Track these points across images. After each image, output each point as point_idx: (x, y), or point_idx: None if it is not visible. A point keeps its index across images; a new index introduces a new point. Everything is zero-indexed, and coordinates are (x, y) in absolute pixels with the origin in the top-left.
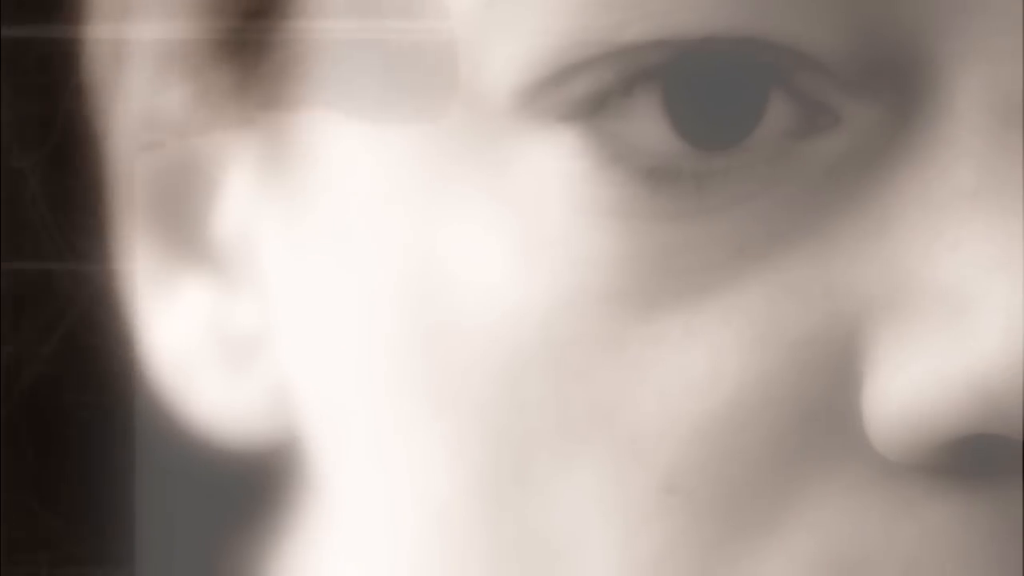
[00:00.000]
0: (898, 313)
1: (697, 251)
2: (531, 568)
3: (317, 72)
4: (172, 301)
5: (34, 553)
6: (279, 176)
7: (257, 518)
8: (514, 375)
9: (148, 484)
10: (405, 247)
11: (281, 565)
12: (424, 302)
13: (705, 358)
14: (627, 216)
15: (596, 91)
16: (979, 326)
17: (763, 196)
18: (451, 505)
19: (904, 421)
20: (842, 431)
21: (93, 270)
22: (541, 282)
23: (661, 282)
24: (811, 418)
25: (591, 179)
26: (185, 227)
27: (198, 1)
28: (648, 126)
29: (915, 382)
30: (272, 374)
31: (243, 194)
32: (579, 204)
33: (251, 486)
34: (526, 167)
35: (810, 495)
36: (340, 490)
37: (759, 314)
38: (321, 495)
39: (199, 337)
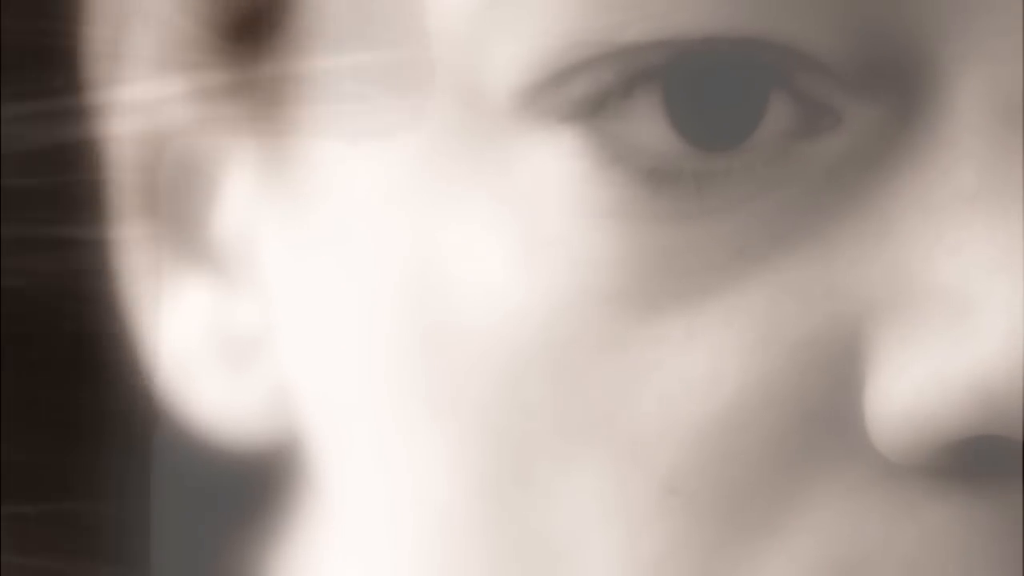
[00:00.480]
0: (900, 315)
1: (698, 252)
2: (532, 569)
3: (316, 74)
4: (173, 302)
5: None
6: (279, 177)
7: (258, 519)
8: (515, 376)
9: (149, 485)
10: (405, 248)
11: (282, 566)
12: (424, 303)
13: (706, 359)
14: (628, 217)
15: (596, 92)
16: (981, 328)
17: (764, 197)
18: (452, 506)
19: (906, 422)
20: (843, 432)
21: (95, 270)
22: (542, 283)
23: (662, 283)
24: (812, 419)
25: (591, 180)
26: (186, 228)
27: (198, 1)
28: (648, 127)
29: (917, 383)
30: (273, 375)
31: (243, 195)
32: (580, 205)
33: (252, 487)
34: (527, 168)
35: (811, 496)
36: (341, 491)
37: (760, 315)
38: (322, 496)
39: (200, 338)
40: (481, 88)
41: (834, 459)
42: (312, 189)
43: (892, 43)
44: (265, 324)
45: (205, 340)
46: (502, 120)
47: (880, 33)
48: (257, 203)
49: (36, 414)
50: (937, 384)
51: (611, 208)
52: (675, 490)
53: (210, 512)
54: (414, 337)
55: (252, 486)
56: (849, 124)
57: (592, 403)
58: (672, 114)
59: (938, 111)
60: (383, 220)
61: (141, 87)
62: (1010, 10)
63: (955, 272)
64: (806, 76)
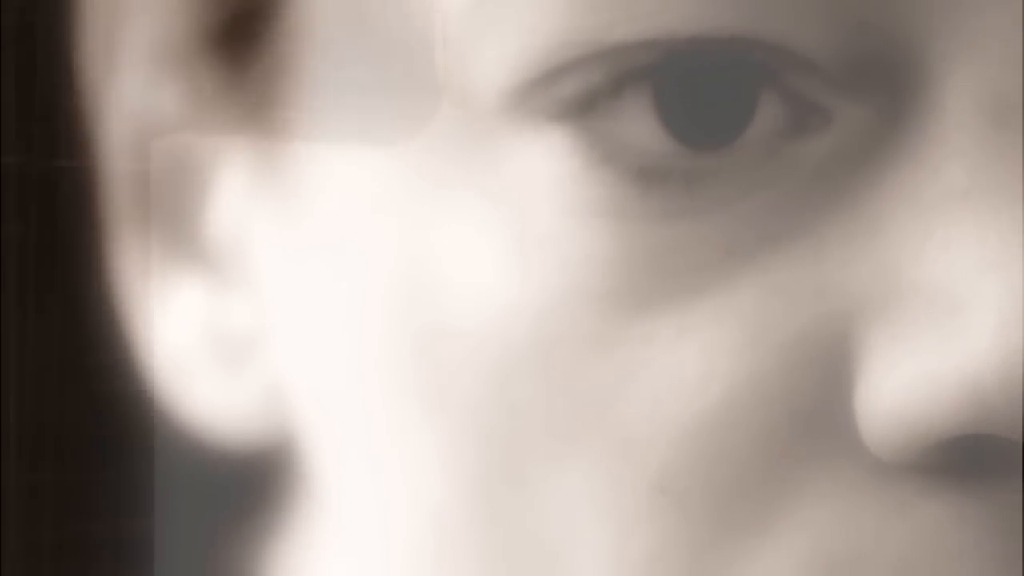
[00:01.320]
0: (889, 313)
1: (687, 251)
2: (523, 569)
3: (307, 73)
4: (167, 301)
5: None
6: (271, 176)
7: (251, 518)
8: (505, 375)
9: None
10: (396, 247)
11: (275, 565)
12: (415, 302)
13: (696, 358)
14: (617, 216)
15: (585, 91)
16: (970, 326)
17: (754, 196)
18: (443, 505)
19: (896, 421)
20: (834, 431)
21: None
22: (532, 282)
23: (652, 282)
24: (803, 418)
25: (581, 179)
26: (179, 227)
27: (190, 1)
28: (638, 126)
29: (907, 382)
30: (267, 374)
31: (236, 194)
32: (569, 204)
33: (246, 486)
34: (516, 167)
35: (802, 495)
36: (334, 490)
37: (750, 314)
38: (316, 495)
39: (194, 337)
40: (470, 88)
41: (824, 458)
42: (304, 189)
43: (881, 42)
44: (259, 324)
45: (199, 340)
46: (492, 120)
47: (869, 32)
48: (250, 203)
49: (36, 419)
50: (927, 383)
51: (601, 207)
52: (665, 489)
53: (204, 511)
54: (405, 336)
55: (246, 485)
56: (839, 123)
57: (582, 402)
58: (662, 113)
59: (927, 109)
60: (374, 220)
61: (134, 87)
62: (998, 8)
63: (945, 270)
64: (795, 75)
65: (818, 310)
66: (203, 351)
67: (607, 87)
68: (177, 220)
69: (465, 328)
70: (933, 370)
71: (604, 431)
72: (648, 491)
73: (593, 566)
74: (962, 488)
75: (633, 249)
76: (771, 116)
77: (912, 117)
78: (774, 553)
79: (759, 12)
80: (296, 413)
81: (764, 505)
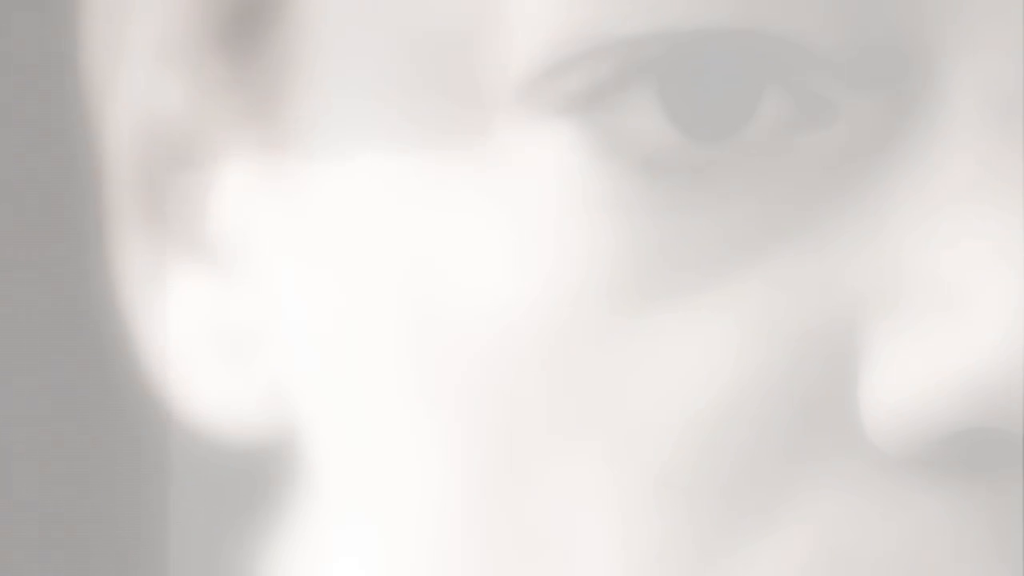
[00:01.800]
0: (895, 307)
1: (694, 244)
2: (528, 562)
3: (313, 68)
4: (170, 296)
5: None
6: (276, 171)
7: (254, 513)
8: (510, 369)
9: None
10: (401, 241)
11: (277, 561)
12: (420, 297)
13: (701, 352)
14: (624, 209)
15: (591, 85)
16: (976, 320)
17: (760, 189)
18: (448, 499)
19: (901, 415)
20: (839, 425)
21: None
22: (537, 276)
23: (658, 275)
24: (808, 412)
25: (588, 172)
26: (183, 222)
27: None
28: (644, 119)
29: (912, 376)
30: (270, 368)
31: (241, 188)
32: (576, 197)
33: (249, 481)
34: (522, 161)
35: (806, 489)
36: (338, 485)
37: (756, 308)
38: (319, 489)
39: (197, 332)
40: (476, 81)
41: (829, 452)
42: (308, 184)
43: (887, 35)
44: (263, 318)
45: (203, 334)
46: (497, 113)
47: (875, 25)
48: (254, 197)
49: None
50: (931, 377)
51: (607, 200)
52: (669, 483)
53: (217, 505)
54: (410, 331)
55: (250, 480)
56: (845, 117)
57: (587, 395)
58: (668, 106)
59: (934, 104)
60: (379, 214)
61: (139, 82)
62: (1004, 2)
63: (950, 264)
64: (801, 69)
65: (824, 303)
66: (207, 346)
67: (613, 80)
68: (181, 215)
69: (470, 322)
70: (938, 364)
71: (609, 424)
72: (653, 484)
73: (598, 559)
74: (967, 482)
75: (639, 241)
76: (777, 109)
77: (918, 111)
78: (778, 546)
79: (765, 6)
80: (300, 407)
81: (768, 498)
